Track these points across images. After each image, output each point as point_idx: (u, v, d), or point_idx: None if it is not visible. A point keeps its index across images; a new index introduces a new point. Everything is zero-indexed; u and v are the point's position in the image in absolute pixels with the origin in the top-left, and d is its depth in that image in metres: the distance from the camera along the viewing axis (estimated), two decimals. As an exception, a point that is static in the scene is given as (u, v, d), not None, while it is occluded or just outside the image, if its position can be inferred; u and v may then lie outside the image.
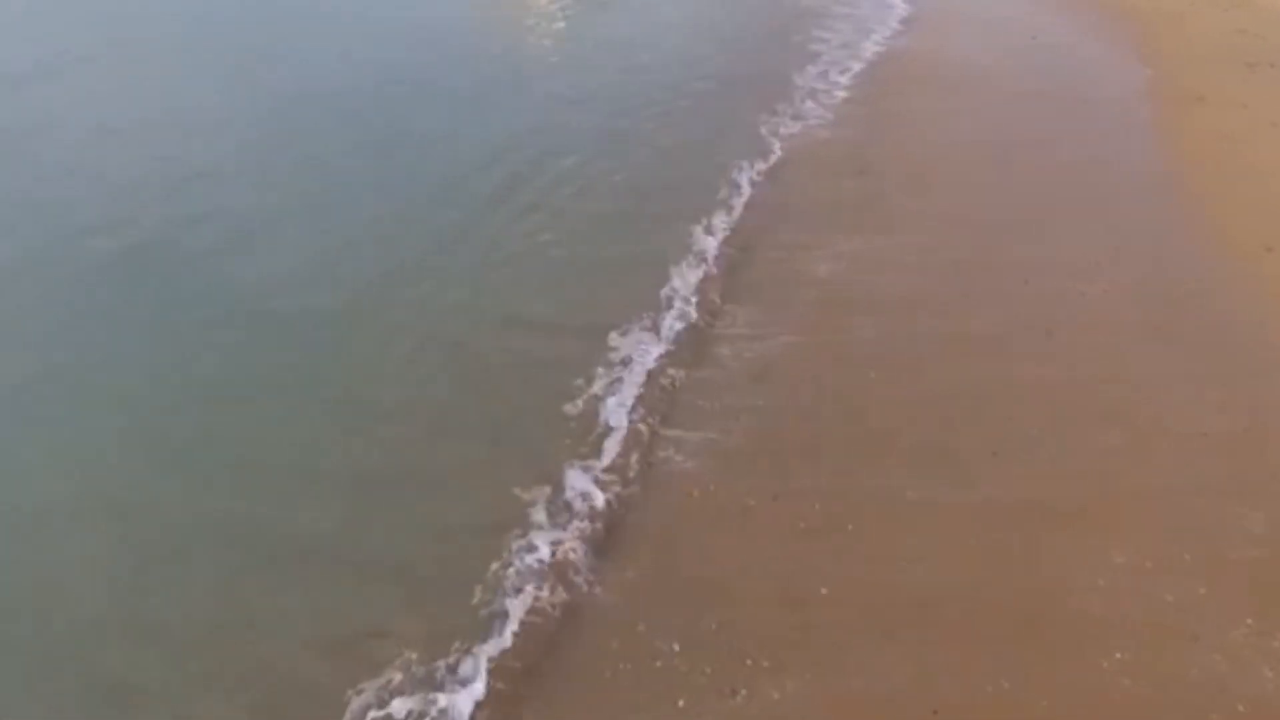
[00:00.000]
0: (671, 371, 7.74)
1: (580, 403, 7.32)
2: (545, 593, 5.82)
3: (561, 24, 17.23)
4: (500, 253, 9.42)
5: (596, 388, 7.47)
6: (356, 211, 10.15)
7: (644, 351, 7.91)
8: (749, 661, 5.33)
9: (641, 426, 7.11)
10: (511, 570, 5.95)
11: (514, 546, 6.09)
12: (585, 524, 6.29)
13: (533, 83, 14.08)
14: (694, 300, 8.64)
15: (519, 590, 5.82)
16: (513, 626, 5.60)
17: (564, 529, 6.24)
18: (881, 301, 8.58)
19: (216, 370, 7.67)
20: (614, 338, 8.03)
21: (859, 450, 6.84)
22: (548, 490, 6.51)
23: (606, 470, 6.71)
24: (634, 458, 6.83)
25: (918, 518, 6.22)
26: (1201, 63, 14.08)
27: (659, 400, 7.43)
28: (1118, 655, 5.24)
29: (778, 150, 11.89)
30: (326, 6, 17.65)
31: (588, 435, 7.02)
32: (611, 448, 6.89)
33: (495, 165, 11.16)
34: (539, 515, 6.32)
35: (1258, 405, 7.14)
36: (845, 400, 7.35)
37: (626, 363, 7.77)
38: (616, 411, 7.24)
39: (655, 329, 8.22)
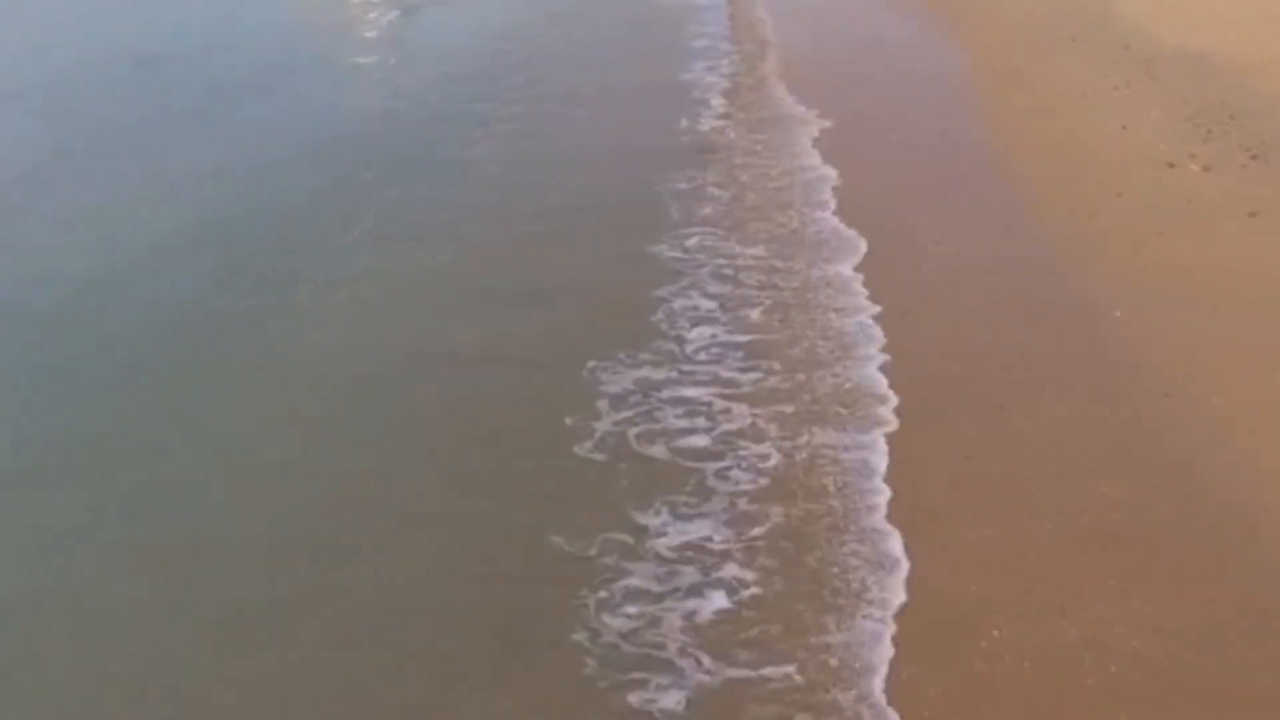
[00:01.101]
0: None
1: (590, 444, 6.71)
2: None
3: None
4: (409, 284, 8.94)
5: (605, 424, 6.89)
6: (236, 251, 9.69)
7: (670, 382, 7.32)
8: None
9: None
10: (604, 642, 5.29)
11: (595, 604, 5.50)
12: (685, 577, 5.72)
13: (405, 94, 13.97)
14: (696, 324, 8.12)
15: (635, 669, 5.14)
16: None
17: (661, 587, 5.64)
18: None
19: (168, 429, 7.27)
20: (594, 367, 7.43)
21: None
22: (612, 543, 5.89)
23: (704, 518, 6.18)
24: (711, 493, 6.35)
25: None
26: (1016, 41, 14.71)
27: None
28: (995, 633, 5.37)
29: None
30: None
31: (643, 479, 6.44)
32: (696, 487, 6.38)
33: (379, 185, 10.87)
34: (631, 574, 5.69)
35: (1107, 382, 7.35)
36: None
37: (645, 393, 7.15)
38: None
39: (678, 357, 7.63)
